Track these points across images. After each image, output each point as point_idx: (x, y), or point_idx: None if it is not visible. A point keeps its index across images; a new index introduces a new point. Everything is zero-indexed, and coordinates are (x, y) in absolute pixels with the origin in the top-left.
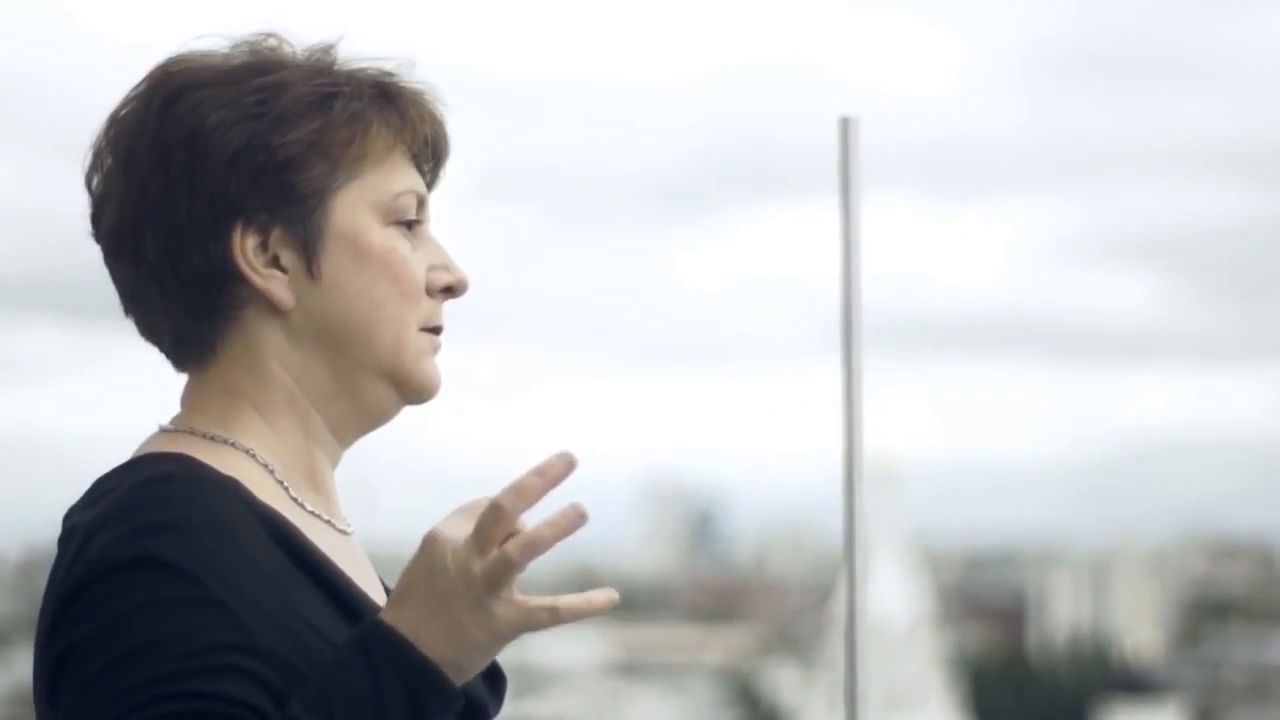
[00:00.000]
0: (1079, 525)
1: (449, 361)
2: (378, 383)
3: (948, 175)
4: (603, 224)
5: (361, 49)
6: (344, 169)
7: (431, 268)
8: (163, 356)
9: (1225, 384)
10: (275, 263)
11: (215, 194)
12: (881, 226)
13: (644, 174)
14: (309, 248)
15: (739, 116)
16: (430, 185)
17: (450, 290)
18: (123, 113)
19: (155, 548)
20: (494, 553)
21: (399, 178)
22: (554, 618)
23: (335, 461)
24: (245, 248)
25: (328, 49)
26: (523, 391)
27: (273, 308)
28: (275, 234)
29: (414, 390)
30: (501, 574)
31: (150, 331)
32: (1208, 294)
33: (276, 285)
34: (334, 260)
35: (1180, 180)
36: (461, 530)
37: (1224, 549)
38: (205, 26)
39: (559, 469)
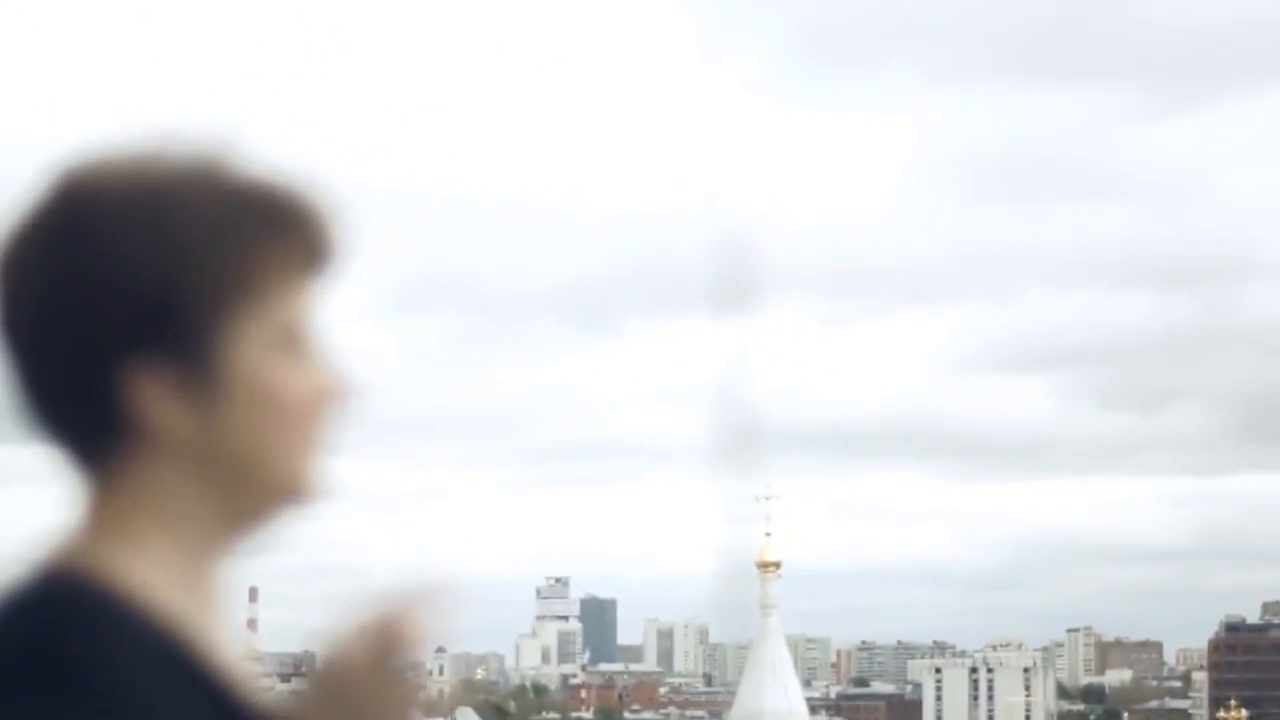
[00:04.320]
0: (972, 625)
1: (354, 470)
2: (271, 505)
3: (853, 287)
4: (511, 337)
5: (261, 153)
6: (239, 298)
7: (324, 379)
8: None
9: (1117, 491)
10: (168, 395)
11: (109, 325)
12: (788, 338)
13: (553, 289)
14: (202, 381)
15: (646, 234)
16: (322, 298)
17: (341, 400)
18: (14, 238)
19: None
20: (383, 642)
21: (295, 298)
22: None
23: (226, 574)
24: (140, 380)
25: (223, 158)
26: (430, 498)
27: (165, 438)
28: (168, 366)
29: (305, 504)
30: (392, 659)
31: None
32: (1104, 403)
33: (168, 418)
34: (227, 394)
35: (1080, 292)
36: (356, 633)
37: (1112, 649)
38: (108, 122)
39: (441, 589)
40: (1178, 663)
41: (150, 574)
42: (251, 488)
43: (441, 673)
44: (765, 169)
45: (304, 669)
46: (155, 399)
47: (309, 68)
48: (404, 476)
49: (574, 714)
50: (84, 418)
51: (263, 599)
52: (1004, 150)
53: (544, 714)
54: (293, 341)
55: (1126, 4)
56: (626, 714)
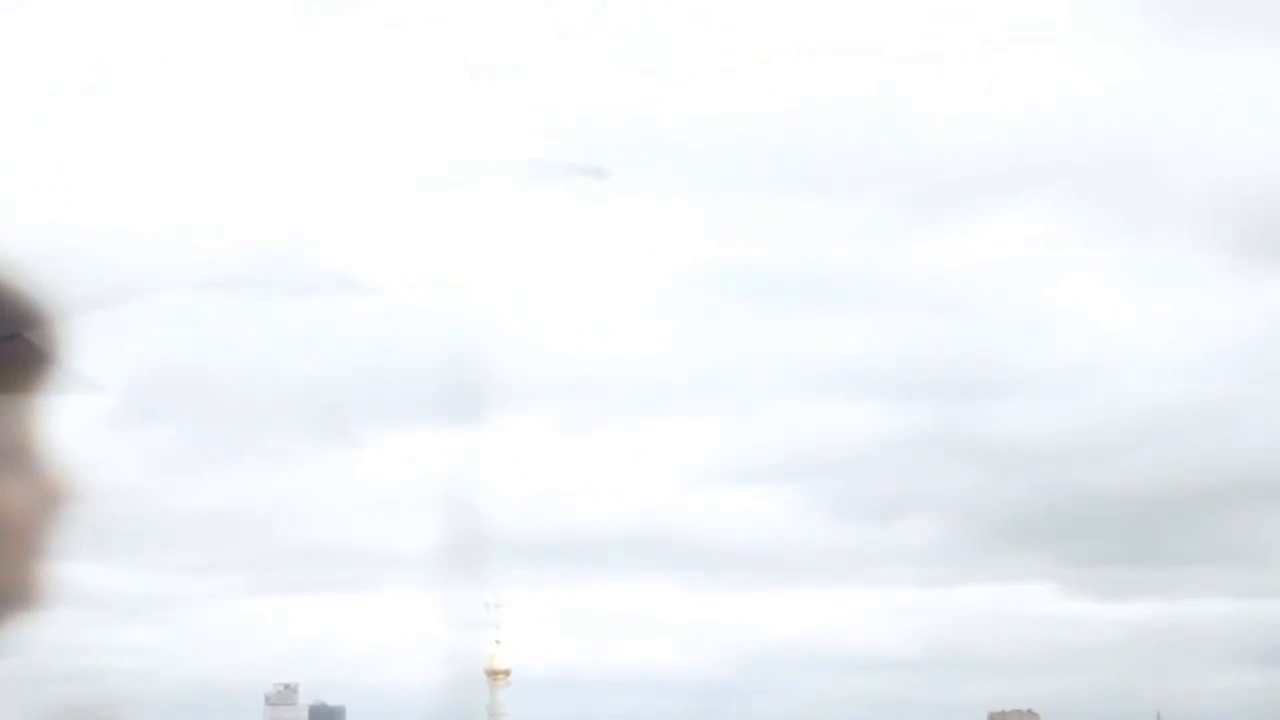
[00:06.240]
0: None
1: (86, 576)
2: None
3: (596, 398)
4: (246, 442)
5: None
6: None
7: (46, 489)
8: None
9: (850, 601)
10: None
11: None
12: (529, 446)
13: (290, 395)
14: None
15: (385, 340)
16: (47, 404)
17: (65, 508)
18: None
19: None
20: None
21: (14, 408)
22: None
23: None
24: None
25: None
26: (162, 604)
27: None
28: None
29: (28, 613)
30: None
31: None
32: (838, 514)
33: None
34: None
35: (820, 404)
36: None
37: None
38: None
39: (141, 698)
40: None
41: None
42: None
43: None
44: (512, 276)
45: None
46: None
47: (34, 139)
48: (136, 582)
49: None
50: None
51: None
52: (751, 261)
53: None
54: (12, 453)
55: (882, 119)
56: None
